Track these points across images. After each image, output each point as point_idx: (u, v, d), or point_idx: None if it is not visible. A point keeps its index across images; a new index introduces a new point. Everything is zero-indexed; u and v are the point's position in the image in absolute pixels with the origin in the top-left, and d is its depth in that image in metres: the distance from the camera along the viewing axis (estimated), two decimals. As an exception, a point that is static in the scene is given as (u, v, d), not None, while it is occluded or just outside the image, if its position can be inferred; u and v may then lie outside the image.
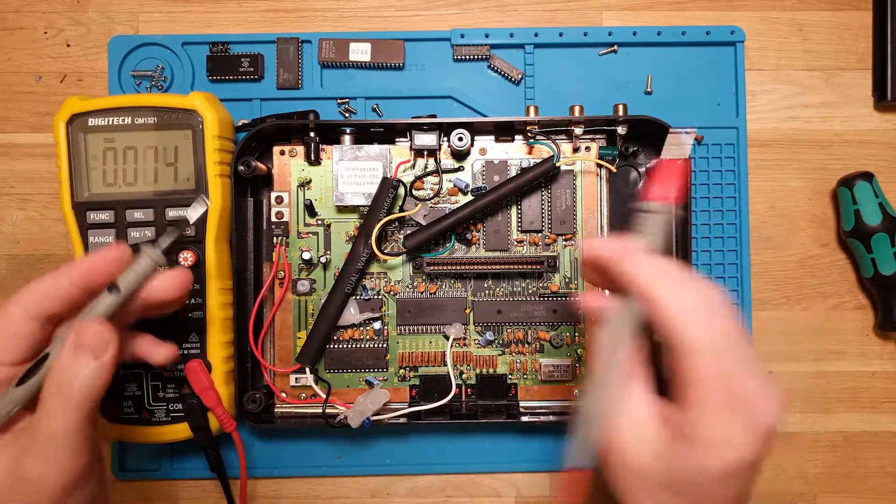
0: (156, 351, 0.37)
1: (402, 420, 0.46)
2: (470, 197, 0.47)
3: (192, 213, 0.37)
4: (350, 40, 0.50)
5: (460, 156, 0.47)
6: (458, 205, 0.47)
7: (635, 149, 0.49)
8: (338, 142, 0.47)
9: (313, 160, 0.47)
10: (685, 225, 0.46)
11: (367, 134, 0.47)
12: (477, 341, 0.47)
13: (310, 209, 0.47)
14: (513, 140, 0.48)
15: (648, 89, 0.51)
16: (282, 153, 0.47)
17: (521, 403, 0.48)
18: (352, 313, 0.47)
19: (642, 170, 0.49)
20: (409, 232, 0.46)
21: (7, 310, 0.31)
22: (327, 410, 0.46)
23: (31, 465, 0.30)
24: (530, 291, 0.48)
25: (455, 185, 0.48)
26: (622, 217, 0.49)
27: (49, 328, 0.32)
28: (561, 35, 0.50)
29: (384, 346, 0.47)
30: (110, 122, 0.44)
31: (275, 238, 0.47)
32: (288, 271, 0.47)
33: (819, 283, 0.52)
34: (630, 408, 0.29)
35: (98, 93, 0.51)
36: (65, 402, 0.30)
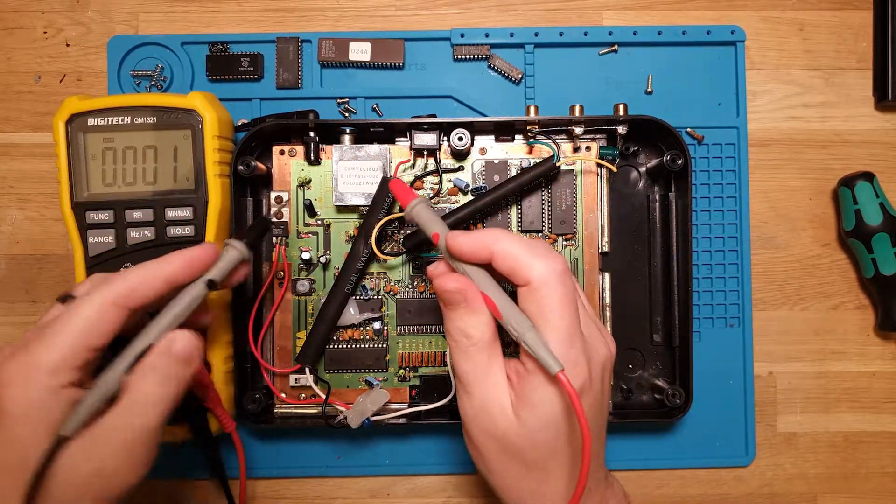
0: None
1: (402, 420, 0.46)
2: (470, 197, 0.47)
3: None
4: (350, 40, 0.50)
5: (460, 156, 0.47)
6: (458, 205, 0.47)
7: (636, 148, 0.49)
8: (338, 141, 0.47)
9: (313, 160, 0.46)
10: (686, 224, 0.46)
11: (366, 134, 0.47)
12: (477, 341, 0.47)
13: (309, 209, 0.47)
14: (513, 140, 0.48)
15: (649, 89, 0.51)
16: (281, 153, 0.47)
17: (522, 404, 0.47)
18: (352, 313, 0.46)
19: (643, 169, 0.49)
20: (409, 232, 0.46)
21: (102, 298, 0.32)
22: (327, 410, 0.46)
23: (110, 459, 0.31)
24: (530, 291, 0.47)
25: (455, 185, 0.47)
26: (623, 217, 0.49)
27: (130, 317, 0.33)
28: (561, 35, 0.50)
29: (384, 346, 0.47)
30: (110, 122, 0.44)
31: (274, 238, 0.47)
32: (287, 271, 0.47)
33: (819, 284, 0.52)
34: (494, 374, 0.34)
35: (97, 92, 0.51)
36: (154, 405, 0.32)
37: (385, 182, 0.45)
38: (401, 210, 0.41)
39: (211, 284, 0.36)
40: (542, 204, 0.47)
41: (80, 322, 0.31)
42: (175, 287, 0.34)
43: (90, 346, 0.32)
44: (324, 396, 0.46)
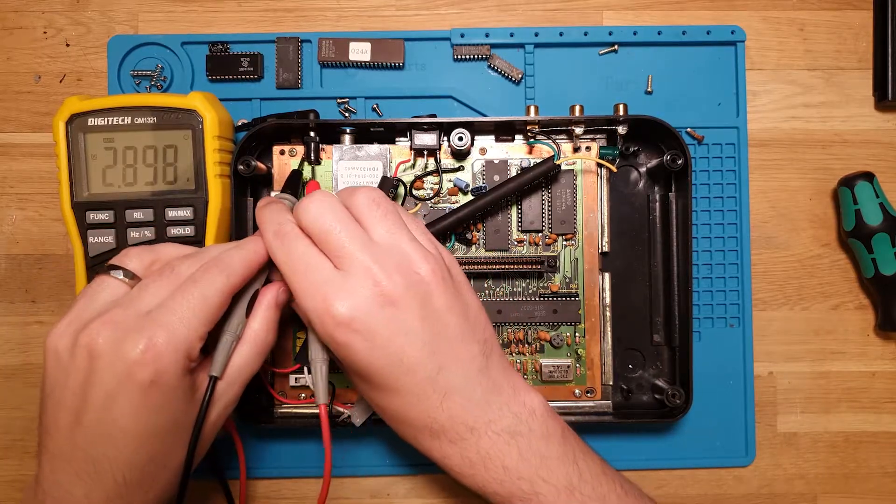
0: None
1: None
2: (470, 197, 0.47)
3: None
4: (350, 40, 0.50)
5: (460, 155, 0.47)
6: (458, 205, 0.47)
7: (636, 148, 0.49)
8: (338, 141, 0.47)
9: (313, 160, 0.46)
10: (686, 224, 0.46)
11: (366, 134, 0.47)
12: (477, 341, 0.47)
13: (310, 209, 0.47)
14: (513, 140, 0.48)
15: (649, 89, 0.51)
16: (282, 153, 0.47)
17: (522, 404, 0.47)
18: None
19: (643, 169, 0.49)
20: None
21: (222, 288, 0.35)
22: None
23: (237, 393, 0.38)
24: (530, 291, 0.48)
25: (455, 185, 0.47)
26: (623, 217, 0.49)
27: None
28: (561, 35, 0.50)
29: (384, 346, 0.47)
30: (110, 122, 0.44)
31: (274, 238, 0.47)
32: (288, 271, 0.47)
33: (820, 284, 0.51)
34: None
35: (97, 92, 0.51)
36: (265, 345, 0.38)
37: (385, 181, 0.45)
38: None
39: None
40: (542, 204, 0.47)
41: (208, 308, 0.34)
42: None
43: (210, 329, 0.35)
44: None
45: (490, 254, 0.47)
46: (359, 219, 0.36)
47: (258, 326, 0.37)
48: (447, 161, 0.48)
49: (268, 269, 0.39)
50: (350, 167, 0.46)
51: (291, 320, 0.46)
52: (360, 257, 0.34)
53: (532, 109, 0.47)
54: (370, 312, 0.34)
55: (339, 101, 0.50)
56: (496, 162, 0.47)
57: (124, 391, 0.32)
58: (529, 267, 0.46)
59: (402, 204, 0.47)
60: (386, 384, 0.35)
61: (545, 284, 0.47)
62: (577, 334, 0.47)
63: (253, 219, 0.48)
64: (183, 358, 0.33)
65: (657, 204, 0.48)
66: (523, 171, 0.46)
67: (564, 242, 0.47)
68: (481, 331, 0.37)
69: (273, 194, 0.42)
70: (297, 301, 0.36)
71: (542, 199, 0.47)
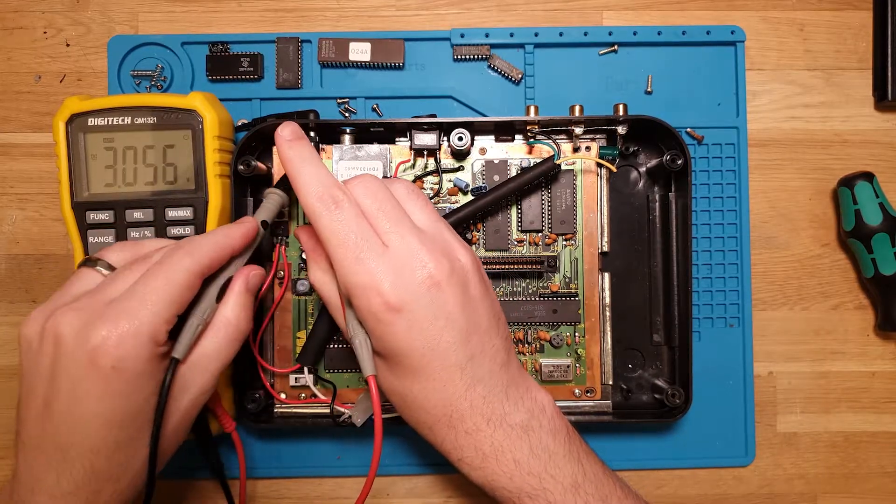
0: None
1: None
2: (470, 197, 0.47)
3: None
4: (350, 40, 0.50)
5: (460, 155, 0.47)
6: (458, 205, 0.47)
7: (636, 149, 0.49)
8: (338, 141, 0.47)
9: (313, 160, 0.46)
10: (686, 224, 0.46)
11: (366, 134, 0.47)
12: (477, 341, 0.47)
13: (310, 209, 0.47)
14: (513, 140, 0.48)
15: (649, 89, 0.51)
16: (281, 153, 0.47)
17: (522, 403, 0.47)
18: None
19: (643, 169, 0.49)
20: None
21: (189, 269, 0.34)
22: (328, 410, 0.46)
23: (207, 382, 0.37)
24: (530, 291, 0.48)
25: (455, 185, 0.47)
26: (623, 217, 0.49)
27: None
28: (561, 35, 0.50)
29: (384, 346, 0.47)
30: (110, 122, 0.44)
31: (275, 238, 0.47)
32: (288, 271, 0.47)
33: (819, 284, 0.52)
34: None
35: (98, 93, 0.51)
36: (237, 332, 0.38)
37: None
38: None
39: (265, 225, 0.41)
40: (542, 204, 0.47)
41: (173, 291, 0.34)
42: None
43: (178, 313, 0.34)
44: (322, 397, 0.46)
45: (490, 254, 0.47)
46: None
47: (230, 312, 0.37)
48: (447, 161, 0.48)
49: (242, 258, 0.39)
50: (350, 167, 0.46)
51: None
52: (410, 238, 0.35)
53: (532, 109, 0.47)
54: (416, 293, 0.34)
55: (339, 101, 0.50)
56: (496, 162, 0.47)
57: (88, 378, 0.32)
58: (529, 267, 0.46)
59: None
60: (417, 367, 0.35)
61: (545, 284, 0.47)
62: (576, 334, 0.47)
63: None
64: (148, 342, 0.33)
65: (657, 204, 0.49)
66: (523, 171, 0.46)
67: (564, 242, 0.47)
68: (503, 327, 0.38)
69: (267, 190, 0.42)
70: (339, 273, 0.35)
71: (542, 199, 0.47)
